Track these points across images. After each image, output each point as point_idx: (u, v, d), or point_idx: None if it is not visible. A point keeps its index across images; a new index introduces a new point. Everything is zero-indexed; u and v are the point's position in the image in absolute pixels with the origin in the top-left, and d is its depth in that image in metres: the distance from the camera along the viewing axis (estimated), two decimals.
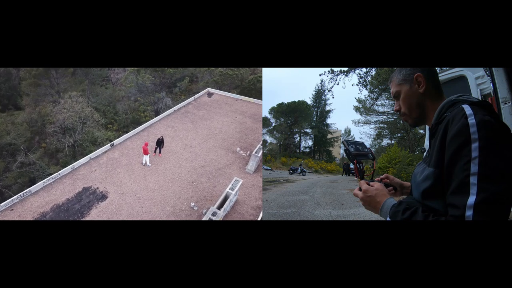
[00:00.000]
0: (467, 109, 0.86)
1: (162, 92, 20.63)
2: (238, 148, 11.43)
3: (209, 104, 15.34)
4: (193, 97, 15.43)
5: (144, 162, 8.71)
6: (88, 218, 6.42)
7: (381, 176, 1.23)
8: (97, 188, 7.38)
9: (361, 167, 1.28)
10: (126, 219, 6.45)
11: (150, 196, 7.45)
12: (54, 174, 7.27)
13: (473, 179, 0.77)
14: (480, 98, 1.14)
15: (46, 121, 16.35)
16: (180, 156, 9.79)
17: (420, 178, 0.96)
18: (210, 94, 16.88)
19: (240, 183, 7.82)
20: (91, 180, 7.63)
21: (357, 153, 1.29)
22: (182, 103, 14.11)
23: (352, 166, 17.37)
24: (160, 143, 9.15)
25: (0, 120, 17.17)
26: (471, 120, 0.82)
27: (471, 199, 0.76)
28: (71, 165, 7.69)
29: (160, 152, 9.34)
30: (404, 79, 1.05)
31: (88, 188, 7.31)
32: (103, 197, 7.09)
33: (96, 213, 6.59)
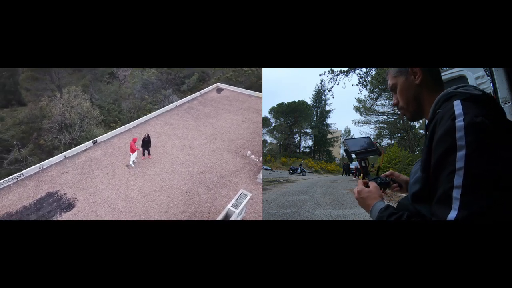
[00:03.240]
0: (457, 107, 0.83)
1: (168, 89, 19.95)
2: (249, 152, 10.04)
3: (217, 100, 14.21)
4: (199, 92, 14.39)
5: (131, 162, 7.59)
6: None
7: (386, 173, 1.29)
8: (65, 194, 6.28)
9: (366, 164, 1.29)
10: None
11: (128, 208, 6.22)
12: (16, 174, 6.29)
13: (456, 193, 0.76)
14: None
15: (46, 116, 16.11)
16: (175, 158, 8.57)
17: (412, 180, 0.99)
18: (219, 90, 15.80)
19: (248, 198, 6.38)
20: (59, 184, 6.56)
21: (359, 151, 1.30)
22: (186, 98, 13.09)
23: (352, 166, 16.07)
24: (146, 143, 7.96)
25: (3, 115, 17.34)
26: (459, 123, 0.80)
27: (452, 214, 0.77)
28: (39, 164, 6.71)
29: (149, 154, 8.17)
30: (399, 71, 1.08)
31: (53, 194, 6.22)
32: (69, 206, 5.96)
33: None
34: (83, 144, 7.74)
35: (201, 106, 13.16)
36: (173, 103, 12.30)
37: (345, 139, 1.35)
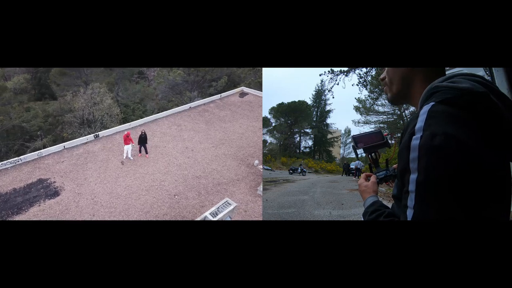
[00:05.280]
0: (421, 118, 0.85)
1: (193, 91, 21.32)
2: (257, 161, 10.26)
3: (237, 105, 14.82)
4: (219, 95, 15.18)
5: (125, 156, 8.38)
6: (23, 216, 6.15)
7: (394, 166, 1.37)
8: (54, 182, 7.21)
9: (376, 156, 1.44)
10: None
11: (110, 203, 6.88)
12: (15, 158, 7.45)
13: (409, 213, 0.83)
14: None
15: (73, 110, 18.53)
16: (173, 160, 9.18)
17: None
18: (243, 94, 16.44)
19: (231, 208, 6.56)
20: (52, 172, 7.56)
21: (367, 146, 1.45)
22: (202, 100, 13.92)
23: (352, 166, 18.40)
24: (143, 140, 8.71)
25: (34, 106, 20.38)
26: (415, 141, 0.82)
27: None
28: (38, 151, 7.84)
29: (146, 153, 8.91)
30: None
31: (43, 181, 7.20)
32: (55, 194, 6.83)
33: (34, 212, 6.28)
34: (84, 137, 8.80)
35: (217, 110, 13.87)
36: (187, 104, 13.18)
37: (353, 135, 1.50)
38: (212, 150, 10.33)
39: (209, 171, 9.09)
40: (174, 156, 9.41)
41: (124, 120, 19.34)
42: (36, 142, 16.31)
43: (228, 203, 6.60)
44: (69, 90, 19.09)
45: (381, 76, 1.20)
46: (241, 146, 10.98)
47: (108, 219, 6.42)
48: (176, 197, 7.68)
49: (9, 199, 6.52)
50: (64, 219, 6.21)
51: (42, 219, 6.10)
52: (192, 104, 13.33)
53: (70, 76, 19.50)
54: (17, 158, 7.53)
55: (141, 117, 21.85)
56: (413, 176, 0.81)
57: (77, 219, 6.28)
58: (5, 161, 7.36)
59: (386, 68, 1.19)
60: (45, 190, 6.92)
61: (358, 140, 1.45)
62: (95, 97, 17.14)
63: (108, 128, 17.12)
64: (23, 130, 17.77)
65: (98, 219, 6.39)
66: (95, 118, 17.39)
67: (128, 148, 8.30)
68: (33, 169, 7.55)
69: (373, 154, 1.44)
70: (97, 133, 9.18)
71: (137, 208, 6.94)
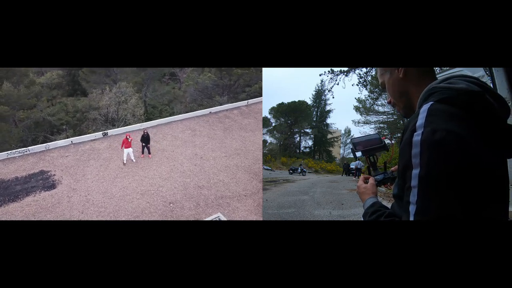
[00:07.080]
0: (421, 116, 0.97)
1: (223, 96, 22.28)
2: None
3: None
4: (246, 101, 15.77)
5: (125, 160, 9.19)
6: (17, 204, 7.11)
7: (392, 168, 1.56)
8: (54, 175, 8.20)
9: (374, 160, 1.62)
10: (47, 219, 6.74)
11: (102, 202, 7.60)
12: (23, 149, 8.64)
13: (412, 209, 0.94)
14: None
15: (100, 107, 20.61)
16: (178, 166, 9.79)
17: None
18: None
19: None
20: (55, 165, 8.59)
21: (366, 149, 1.63)
22: (224, 105, 14.58)
23: (352, 166, 19.91)
24: (145, 140, 9.49)
25: (66, 102, 23.04)
26: (416, 137, 0.93)
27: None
28: (45, 144, 8.99)
29: (149, 153, 9.66)
30: (385, 68, 1.33)
31: (45, 172, 8.23)
32: (52, 186, 7.78)
33: (28, 202, 7.22)
34: (92, 134, 9.86)
35: (240, 117, 14.41)
36: (207, 109, 13.93)
37: (351, 139, 1.72)
38: (224, 159, 10.77)
39: (215, 182, 9.51)
40: (180, 162, 10.03)
41: (148, 121, 20.91)
42: (60, 135, 18.44)
43: (219, 219, 6.91)
44: (96, 87, 21.29)
45: (388, 100, 1.36)
46: (258, 159, 11.28)
47: (96, 219, 7.12)
48: (171, 205, 8.19)
49: (9, 186, 7.60)
50: (53, 212, 7.05)
51: (33, 209, 7.01)
52: (213, 109, 14.03)
53: (100, 74, 21.70)
54: (25, 148, 8.74)
55: None
56: (415, 172, 0.92)
57: (66, 214, 7.07)
58: (14, 150, 8.60)
59: (387, 91, 1.34)
60: (43, 181, 7.93)
61: (357, 144, 1.66)
62: (120, 96, 18.87)
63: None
64: (50, 123, 20.19)
65: (86, 217, 7.12)
66: (118, 117, 19.08)
67: (129, 151, 9.08)
68: (38, 160, 8.68)
69: (371, 157, 1.62)
70: (105, 131, 10.20)
71: (128, 211, 7.57)
